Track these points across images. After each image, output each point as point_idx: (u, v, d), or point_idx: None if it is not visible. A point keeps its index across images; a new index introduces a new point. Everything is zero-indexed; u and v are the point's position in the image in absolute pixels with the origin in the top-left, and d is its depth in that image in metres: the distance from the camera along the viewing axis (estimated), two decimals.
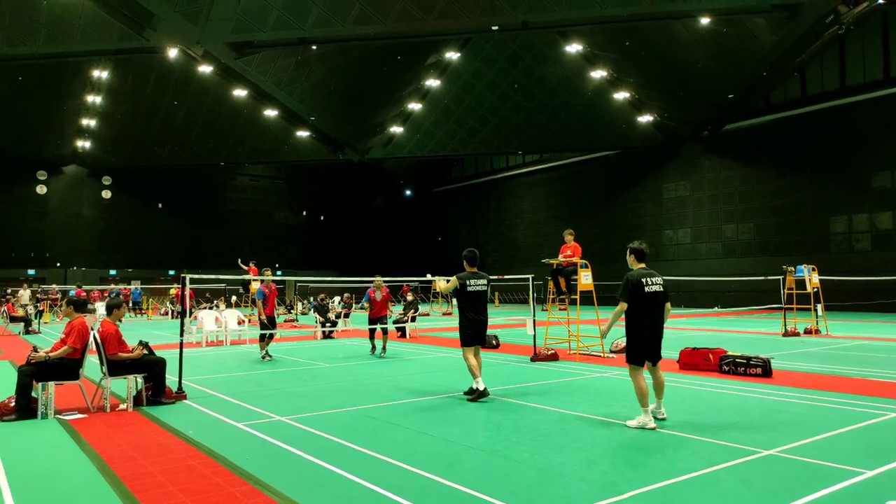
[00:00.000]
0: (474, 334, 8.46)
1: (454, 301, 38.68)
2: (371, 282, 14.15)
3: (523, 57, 32.79)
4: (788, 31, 24.57)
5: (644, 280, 6.63)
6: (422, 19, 25.14)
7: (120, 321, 8.58)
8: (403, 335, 18.28)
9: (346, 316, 21.90)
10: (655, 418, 6.70)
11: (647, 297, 6.60)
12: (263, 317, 13.26)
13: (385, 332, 13.93)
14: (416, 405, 8.10)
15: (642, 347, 6.66)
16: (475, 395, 8.13)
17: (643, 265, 6.88)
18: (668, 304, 6.89)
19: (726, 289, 30.33)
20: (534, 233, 45.48)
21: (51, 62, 29.10)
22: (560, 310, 13.94)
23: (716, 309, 29.84)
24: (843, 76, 29.98)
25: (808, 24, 23.77)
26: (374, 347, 14.16)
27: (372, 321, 13.99)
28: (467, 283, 8.47)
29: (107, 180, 43.46)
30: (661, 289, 6.72)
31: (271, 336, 13.58)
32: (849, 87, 29.68)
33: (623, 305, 6.63)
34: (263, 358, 13.04)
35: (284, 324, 25.91)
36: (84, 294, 30.21)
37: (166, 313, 33.01)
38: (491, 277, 9.31)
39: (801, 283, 17.24)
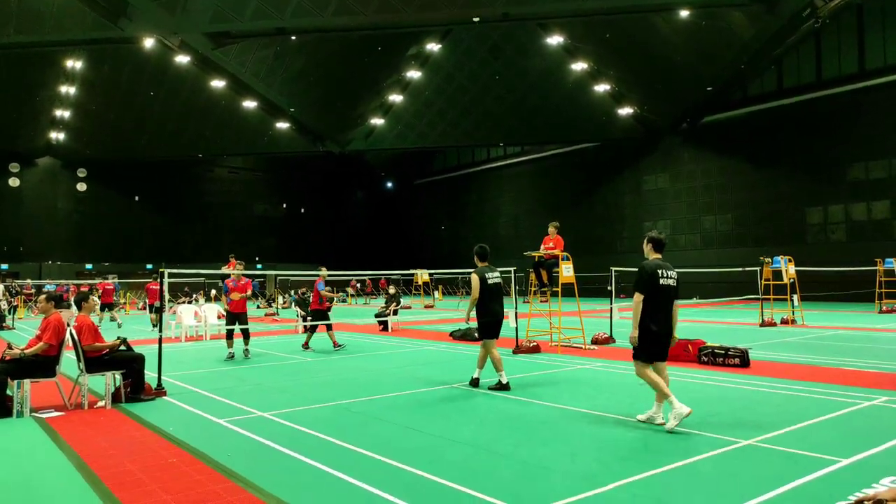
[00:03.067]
0: (496, 326, 8.59)
1: (435, 294, 38.38)
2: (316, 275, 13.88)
3: (504, 48, 32.72)
4: (766, 25, 24.87)
5: (659, 272, 6.25)
6: (402, 10, 24.97)
7: (96, 314, 8.43)
8: (385, 328, 18.23)
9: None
10: (654, 422, 6.40)
11: (659, 290, 6.22)
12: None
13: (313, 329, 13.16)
14: (399, 399, 8.09)
15: (653, 344, 6.27)
16: (497, 387, 8.38)
17: (659, 256, 6.46)
18: (675, 303, 6.43)
19: (705, 279, 30.69)
20: (514, 225, 45.61)
21: (22, 52, 28.42)
22: (541, 301, 13.99)
23: (694, 300, 30.14)
24: (819, 69, 30.39)
25: (785, 18, 24.09)
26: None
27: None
28: (485, 276, 8.56)
29: (82, 172, 42.68)
30: (674, 283, 6.35)
31: (246, 334, 12.71)
32: (824, 80, 30.11)
33: (639, 297, 6.20)
34: (229, 357, 12.30)
35: (265, 318, 25.73)
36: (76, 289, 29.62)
37: (144, 308, 32.59)
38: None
39: (777, 274, 17.50)
